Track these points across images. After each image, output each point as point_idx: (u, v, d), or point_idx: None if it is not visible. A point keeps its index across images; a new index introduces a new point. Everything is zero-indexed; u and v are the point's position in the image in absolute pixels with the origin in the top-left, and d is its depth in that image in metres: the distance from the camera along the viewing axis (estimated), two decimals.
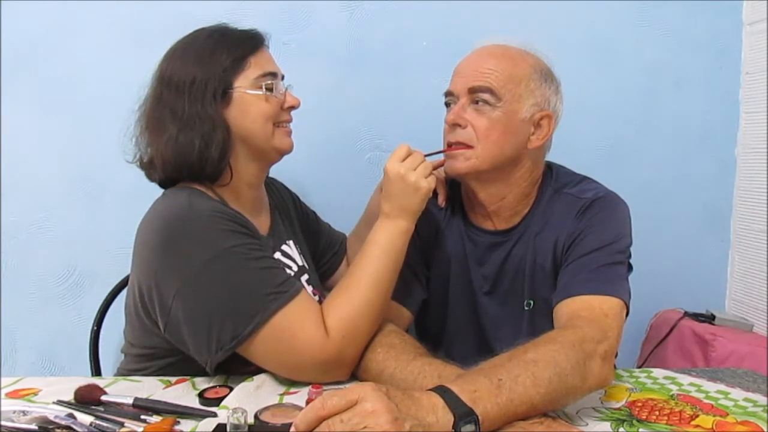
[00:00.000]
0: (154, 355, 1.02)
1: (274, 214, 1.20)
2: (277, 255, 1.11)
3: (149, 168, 1.05)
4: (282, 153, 1.10)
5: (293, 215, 1.29)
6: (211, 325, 0.90)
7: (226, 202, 1.03)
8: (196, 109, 0.99)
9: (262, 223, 1.13)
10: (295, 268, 1.14)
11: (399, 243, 1.00)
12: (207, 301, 0.91)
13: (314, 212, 1.38)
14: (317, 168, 1.66)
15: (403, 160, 1.01)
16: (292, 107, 1.09)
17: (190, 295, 0.91)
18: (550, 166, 1.16)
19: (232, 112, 1.02)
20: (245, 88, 1.02)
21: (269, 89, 1.04)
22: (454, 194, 1.19)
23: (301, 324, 0.91)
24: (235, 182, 1.05)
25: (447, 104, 1.10)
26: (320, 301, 1.16)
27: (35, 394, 0.91)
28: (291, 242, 1.20)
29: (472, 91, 1.04)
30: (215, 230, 0.93)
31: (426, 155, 1.03)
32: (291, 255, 1.16)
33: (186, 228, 0.93)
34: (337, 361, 0.93)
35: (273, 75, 1.05)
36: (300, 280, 1.12)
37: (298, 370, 0.94)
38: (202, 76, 1.00)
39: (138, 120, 1.06)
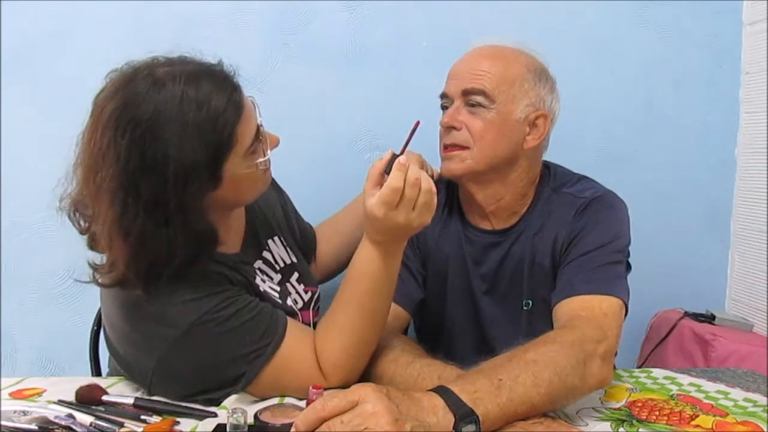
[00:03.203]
0: None
1: (251, 215, 1.07)
2: (258, 264, 1.02)
3: (105, 270, 0.87)
4: (262, 192, 0.99)
5: (275, 202, 1.18)
6: (197, 394, 0.88)
7: None
8: (185, 223, 0.82)
9: (233, 237, 1.00)
10: (279, 279, 1.06)
11: (393, 266, 0.91)
12: (187, 377, 0.88)
13: (290, 199, 1.27)
14: (317, 168, 1.66)
15: (396, 205, 0.83)
16: (274, 148, 0.93)
17: (167, 373, 0.88)
18: (547, 166, 1.16)
19: (221, 193, 0.87)
20: (236, 167, 0.86)
21: (259, 153, 0.89)
22: (452, 194, 1.19)
23: (295, 366, 0.89)
24: None
25: (443, 107, 1.10)
26: (313, 296, 1.12)
27: (39, 394, 0.92)
28: (276, 238, 1.11)
29: (466, 93, 1.05)
30: (175, 305, 0.85)
31: (398, 154, 0.87)
32: (275, 258, 1.08)
33: (144, 309, 0.85)
34: (339, 387, 0.91)
35: (258, 133, 0.89)
36: (290, 282, 1.08)
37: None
38: (187, 163, 0.80)
39: (86, 182, 0.84)
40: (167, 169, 0.79)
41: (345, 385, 0.89)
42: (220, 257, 0.92)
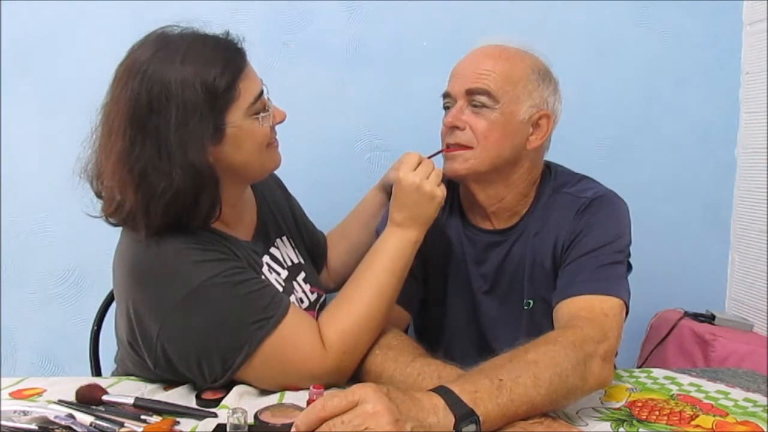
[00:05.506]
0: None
1: (262, 210, 1.12)
2: (266, 259, 1.06)
3: (126, 220, 0.91)
4: (271, 171, 1.04)
5: (284, 203, 1.22)
6: (200, 361, 0.89)
7: None
8: (185, 158, 0.86)
9: (245, 227, 1.06)
10: (285, 275, 1.08)
11: (408, 253, 0.98)
12: (190, 339, 0.89)
13: (299, 204, 1.30)
14: (317, 168, 1.66)
15: (415, 168, 0.99)
16: (280, 123, 1.00)
17: (172, 335, 0.89)
18: (548, 166, 1.16)
19: (224, 150, 0.91)
20: (238, 121, 0.91)
21: (261, 111, 0.94)
22: (452, 194, 1.19)
23: (293, 345, 0.89)
24: None
25: (446, 106, 1.10)
26: (320, 299, 1.14)
27: (39, 394, 0.92)
28: (284, 237, 1.15)
29: (470, 93, 1.04)
30: (184, 265, 0.88)
31: (428, 158, 1.03)
32: (282, 256, 1.11)
33: (153, 269, 0.89)
34: (336, 373, 0.92)
35: (261, 94, 0.94)
36: (296, 281, 1.09)
37: (296, 385, 0.91)
38: (189, 104, 0.86)
39: (110, 154, 0.88)
40: (170, 107, 0.85)
41: (343, 366, 0.92)
42: (232, 240, 0.97)
